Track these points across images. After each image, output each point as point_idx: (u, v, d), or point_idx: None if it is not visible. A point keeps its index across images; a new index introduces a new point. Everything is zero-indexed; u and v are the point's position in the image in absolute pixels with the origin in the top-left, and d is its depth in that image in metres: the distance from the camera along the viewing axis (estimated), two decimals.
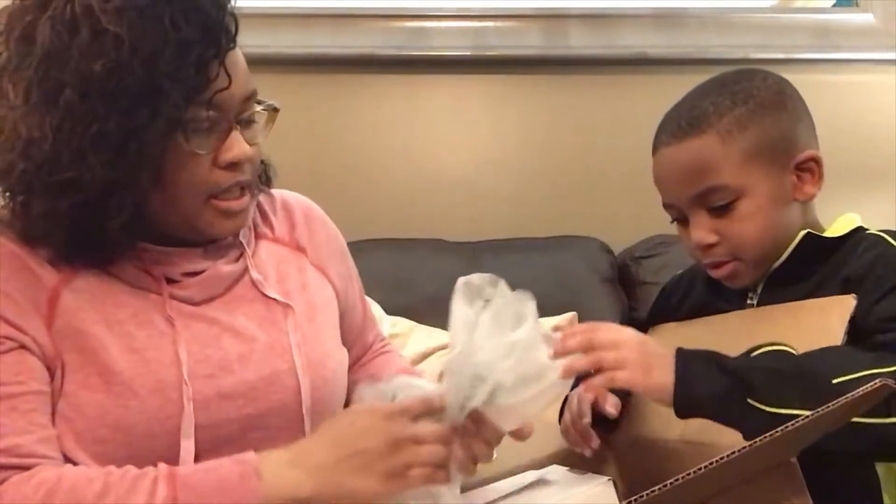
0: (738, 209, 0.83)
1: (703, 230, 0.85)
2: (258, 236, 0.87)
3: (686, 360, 0.73)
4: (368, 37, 1.75)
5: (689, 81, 0.95)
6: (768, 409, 0.67)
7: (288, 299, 0.83)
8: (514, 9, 1.80)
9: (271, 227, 0.89)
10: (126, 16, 0.67)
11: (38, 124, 0.68)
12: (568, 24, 1.79)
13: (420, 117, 1.81)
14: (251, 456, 0.69)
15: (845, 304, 0.76)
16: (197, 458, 0.73)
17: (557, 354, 0.72)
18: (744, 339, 0.83)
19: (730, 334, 0.87)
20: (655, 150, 0.89)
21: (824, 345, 0.75)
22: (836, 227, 0.87)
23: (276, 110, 0.80)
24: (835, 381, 0.66)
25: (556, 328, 0.77)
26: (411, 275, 1.09)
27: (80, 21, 0.67)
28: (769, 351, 0.71)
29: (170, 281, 0.78)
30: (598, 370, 0.73)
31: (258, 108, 0.79)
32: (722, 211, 0.84)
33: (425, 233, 1.68)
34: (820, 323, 0.77)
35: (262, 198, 0.90)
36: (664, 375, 0.72)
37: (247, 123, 0.78)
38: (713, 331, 0.90)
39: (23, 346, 0.71)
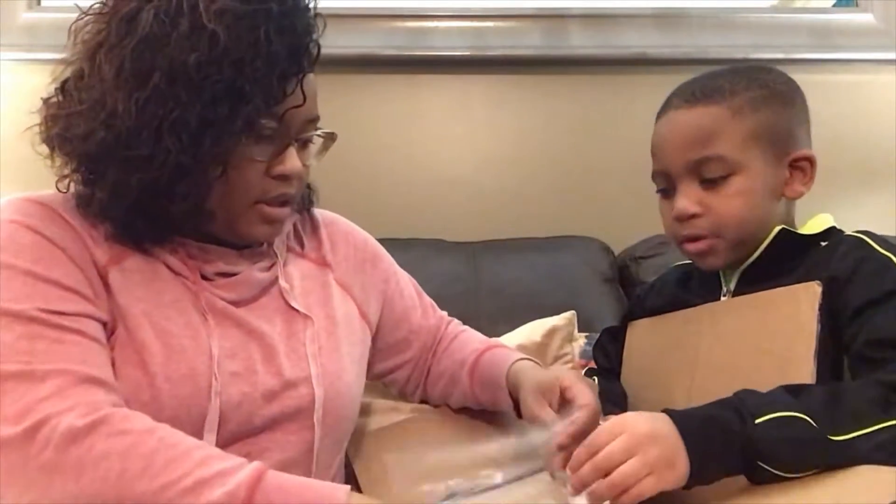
0: (729, 185, 0.84)
1: (689, 199, 0.86)
2: (288, 250, 0.91)
3: (693, 437, 0.67)
4: (369, 37, 1.75)
5: None
6: (782, 473, 0.66)
7: (309, 312, 0.86)
8: (514, 9, 1.81)
9: (301, 244, 0.94)
10: (227, 19, 0.72)
11: (124, 99, 0.71)
12: (568, 24, 1.80)
13: (420, 117, 1.81)
14: (345, 486, 0.68)
15: (812, 292, 0.76)
16: None
17: (577, 490, 0.69)
18: (716, 330, 0.85)
19: (703, 325, 0.88)
20: (662, 114, 0.90)
21: (797, 334, 0.75)
22: (811, 226, 0.87)
23: (332, 139, 0.85)
24: (845, 438, 0.65)
25: (561, 447, 0.74)
26: (411, 275, 1.09)
27: (183, 14, 0.72)
28: (776, 417, 0.66)
29: (203, 278, 0.81)
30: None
31: (316, 133, 0.83)
32: (712, 184, 0.85)
33: (425, 233, 1.69)
34: (791, 312, 0.77)
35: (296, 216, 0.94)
36: (684, 461, 0.66)
37: (303, 144, 0.82)
38: (686, 322, 0.91)
39: (96, 318, 0.73)
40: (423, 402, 1.08)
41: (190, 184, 0.74)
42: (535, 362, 0.97)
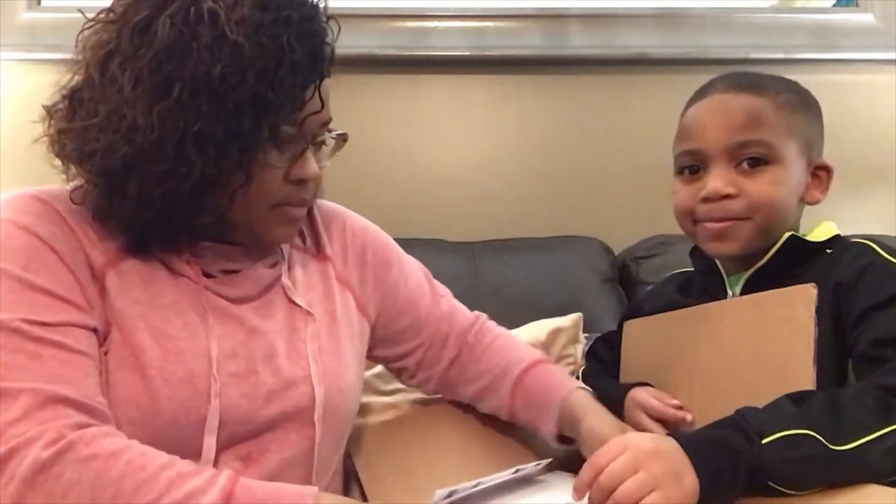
0: (766, 172, 0.85)
1: (723, 180, 0.86)
2: (291, 246, 0.90)
3: (700, 457, 0.66)
4: (369, 37, 1.75)
5: (689, 81, 0.95)
6: (792, 491, 0.65)
7: (311, 308, 0.86)
8: (514, 9, 1.81)
9: (303, 238, 0.93)
10: (248, 28, 0.70)
11: (145, 112, 0.70)
12: (568, 24, 1.80)
13: (420, 117, 1.81)
14: (312, 488, 0.70)
15: (808, 294, 0.77)
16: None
17: None
18: (714, 331, 0.84)
19: (700, 326, 0.87)
20: (704, 95, 0.90)
21: (796, 337, 0.75)
22: (817, 234, 0.88)
23: (345, 139, 0.85)
24: (851, 447, 0.65)
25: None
26: None
27: (203, 24, 0.70)
28: (783, 437, 0.65)
29: (207, 275, 0.80)
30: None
31: (329, 135, 0.83)
32: (749, 169, 0.85)
33: (425, 233, 1.69)
34: (788, 315, 0.77)
35: None
36: (691, 479, 0.65)
37: (318, 146, 0.82)
38: (682, 323, 0.91)
39: (83, 326, 0.72)
40: (436, 392, 1.05)
41: (215, 195, 0.74)
42: (589, 391, 0.94)
